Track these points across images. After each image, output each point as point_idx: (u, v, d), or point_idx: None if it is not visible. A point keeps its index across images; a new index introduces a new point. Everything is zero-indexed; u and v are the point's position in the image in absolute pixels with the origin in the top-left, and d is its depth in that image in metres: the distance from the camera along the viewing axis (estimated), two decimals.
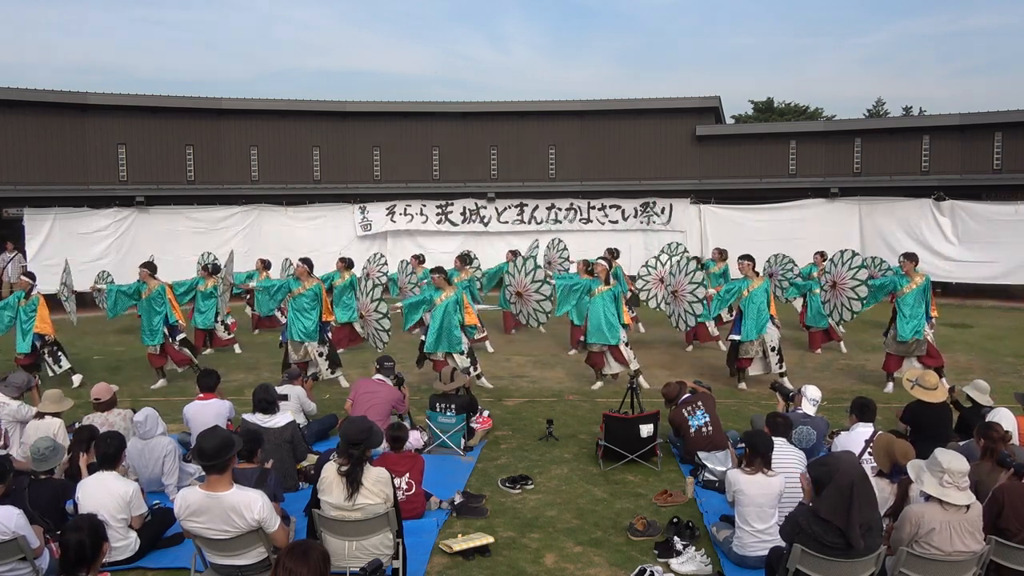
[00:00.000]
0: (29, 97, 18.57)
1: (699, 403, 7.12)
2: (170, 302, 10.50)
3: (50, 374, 10.32)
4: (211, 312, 12.50)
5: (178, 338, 10.54)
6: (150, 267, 10.79)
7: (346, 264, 12.56)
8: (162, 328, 10.36)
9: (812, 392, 6.83)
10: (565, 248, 15.52)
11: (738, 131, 23.84)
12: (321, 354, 10.04)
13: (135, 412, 6.75)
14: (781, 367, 9.85)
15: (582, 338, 10.51)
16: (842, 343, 12.56)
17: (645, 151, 21.27)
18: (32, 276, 10.96)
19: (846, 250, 11.11)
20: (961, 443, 5.95)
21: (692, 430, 6.96)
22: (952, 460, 4.27)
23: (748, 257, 10.24)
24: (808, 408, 6.73)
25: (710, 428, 6.96)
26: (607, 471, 6.88)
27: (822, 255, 13.14)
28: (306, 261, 10.41)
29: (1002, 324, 15.27)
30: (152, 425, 6.13)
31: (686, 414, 7.05)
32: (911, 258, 10.15)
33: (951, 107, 62.25)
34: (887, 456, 5.24)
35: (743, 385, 9.99)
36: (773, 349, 9.82)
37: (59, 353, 10.47)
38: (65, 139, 19.17)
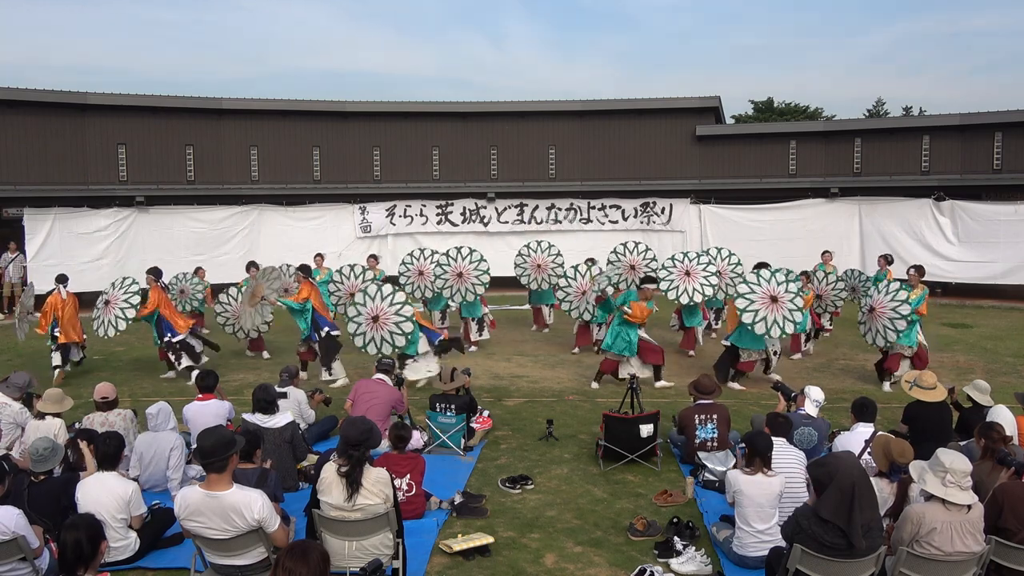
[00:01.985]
0: (29, 97, 18.60)
1: (714, 416, 6.94)
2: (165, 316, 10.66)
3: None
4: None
5: (177, 339, 10.58)
6: (155, 273, 10.85)
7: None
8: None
9: (816, 393, 6.81)
10: (560, 254, 14.12)
11: (738, 131, 23.84)
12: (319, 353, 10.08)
13: (135, 412, 6.83)
14: (769, 372, 10.06)
15: (597, 341, 10.45)
16: (810, 344, 12.21)
17: (645, 151, 21.28)
18: (64, 279, 11.32)
19: (893, 282, 10.81)
20: (961, 443, 5.95)
21: (697, 440, 6.89)
22: (955, 460, 4.27)
23: (763, 266, 10.50)
24: (811, 409, 6.71)
25: (715, 444, 6.87)
26: (607, 471, 6.88)
27: (829, 254, 13.19)
28: (303, 268, 10.49)
29: (1002, 324, 15.28)
30: (164, 419, 6.30)
31: (697, 421, 6.93)
32: (919, 271, 10.60)
33: (951, 107, 62.24)
34: (884, 455, 5.24)
35: (735, 384, 9.95)
36: (776, 353, 9.93)
37: (55, 353, 10.81)
38: (65, 139, 19.19)
